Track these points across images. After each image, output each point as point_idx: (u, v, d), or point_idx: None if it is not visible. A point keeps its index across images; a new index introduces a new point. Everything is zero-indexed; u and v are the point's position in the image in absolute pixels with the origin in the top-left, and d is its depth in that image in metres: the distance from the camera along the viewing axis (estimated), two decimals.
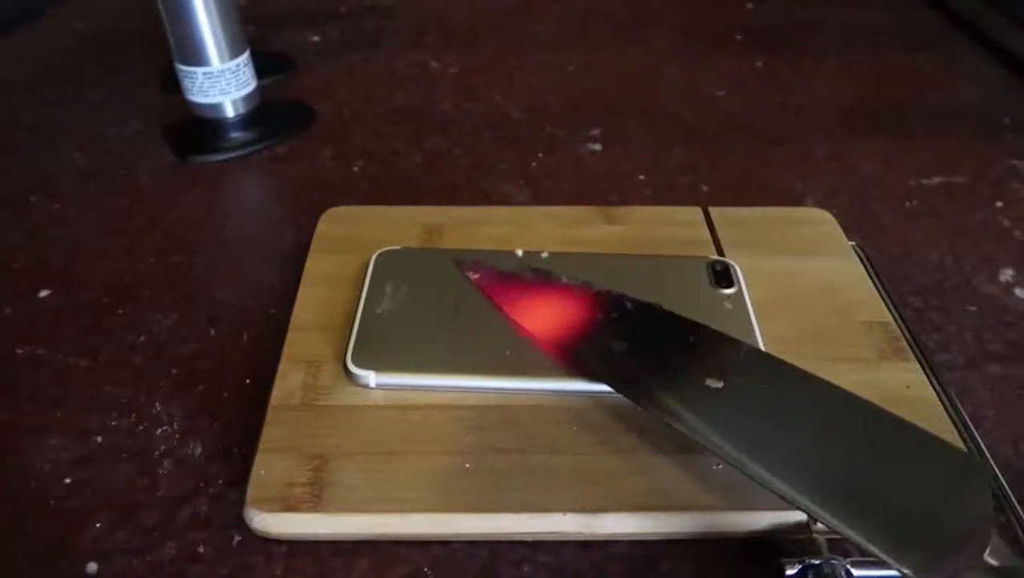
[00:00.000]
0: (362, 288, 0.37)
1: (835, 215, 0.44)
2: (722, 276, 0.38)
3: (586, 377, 0.33)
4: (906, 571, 0.24)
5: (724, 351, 0.31)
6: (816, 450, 0.28)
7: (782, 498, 0.27)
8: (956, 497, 0.25)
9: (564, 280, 0.36)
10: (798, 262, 0.40)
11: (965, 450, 0.27)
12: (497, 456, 0.31)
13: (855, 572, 0.27)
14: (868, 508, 0.26)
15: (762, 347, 0.34)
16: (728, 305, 0.37)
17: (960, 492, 0.26)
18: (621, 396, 0.32)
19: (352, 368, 0.33)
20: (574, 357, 0.33)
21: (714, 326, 0.34)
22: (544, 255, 0.39)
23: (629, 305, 0.34)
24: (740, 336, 0.34)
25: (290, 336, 0.36)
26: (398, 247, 0.40)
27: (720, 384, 0.30)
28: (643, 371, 0.32)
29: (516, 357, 0.34)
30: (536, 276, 0.37)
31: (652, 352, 0.32)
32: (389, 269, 0.38)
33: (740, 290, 0.37)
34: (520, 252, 0.39)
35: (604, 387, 0.32)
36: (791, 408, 0.29)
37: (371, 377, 0.33)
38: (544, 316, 0.35)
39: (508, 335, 0.35)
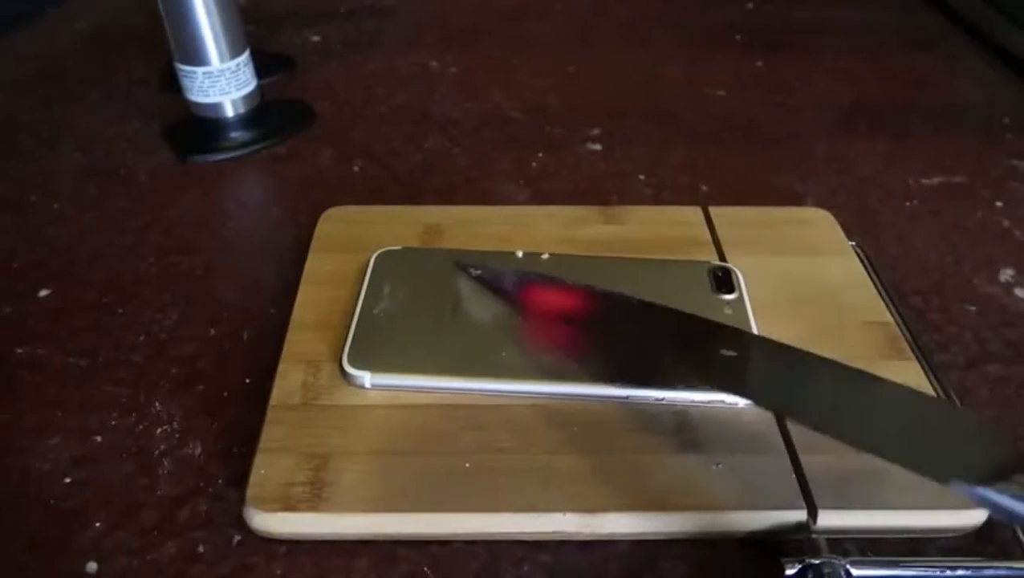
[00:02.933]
0: (361, 288, 0.37)
1: (835, 215, 0.44)
2: (723, 282, 0.38)
3: (598, 351, 0.33)
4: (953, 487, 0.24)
5: (731, 334, 0.33)
6: (842, 399, 0.29)
7: (818, 431, 0.26)
8: (983, 448, 0.26)
9: (567, 282, 0.36)
10: (798, 262, 0.40)
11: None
12: (497, 456, 0.31)
13: (855, 572, 0.27)
14: (905, 443, 0.26)
15: None
16: (728, 311, 0.37)
17: (985, 443, 0.27)
18: (621, 397, 0.32)
19: (348, 369, 0.33)
20: (585, 331, 0.34)
21: None
22: (544, 257, 0.39)
23: (634, 302, 0.35)
24: None
25: (290, 336, 0.36)
26: (398, 247, 0.40)
27: (734, 353, 0.31)
28: (656, 346, 0.33)
29: (513, 359, 0.34)
30: (539, 277, 0.37)
31: (662, 332, 0.33)
32: (388, 269, 0.38)
33: (741, 295, 0.37)
34: (520, 253, 0.39)
35: (603, 389, 0.32)
36: (808, 373, 0.30)
37: (366, 378, 0.33)
38: (550, 307, 0.35)
39: (506, 336, 0.35)
